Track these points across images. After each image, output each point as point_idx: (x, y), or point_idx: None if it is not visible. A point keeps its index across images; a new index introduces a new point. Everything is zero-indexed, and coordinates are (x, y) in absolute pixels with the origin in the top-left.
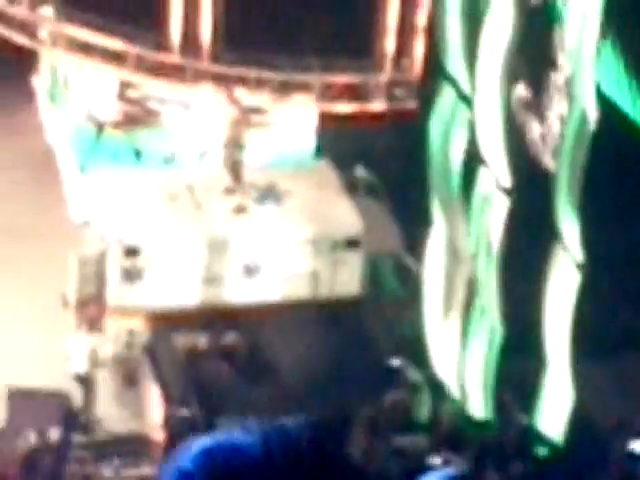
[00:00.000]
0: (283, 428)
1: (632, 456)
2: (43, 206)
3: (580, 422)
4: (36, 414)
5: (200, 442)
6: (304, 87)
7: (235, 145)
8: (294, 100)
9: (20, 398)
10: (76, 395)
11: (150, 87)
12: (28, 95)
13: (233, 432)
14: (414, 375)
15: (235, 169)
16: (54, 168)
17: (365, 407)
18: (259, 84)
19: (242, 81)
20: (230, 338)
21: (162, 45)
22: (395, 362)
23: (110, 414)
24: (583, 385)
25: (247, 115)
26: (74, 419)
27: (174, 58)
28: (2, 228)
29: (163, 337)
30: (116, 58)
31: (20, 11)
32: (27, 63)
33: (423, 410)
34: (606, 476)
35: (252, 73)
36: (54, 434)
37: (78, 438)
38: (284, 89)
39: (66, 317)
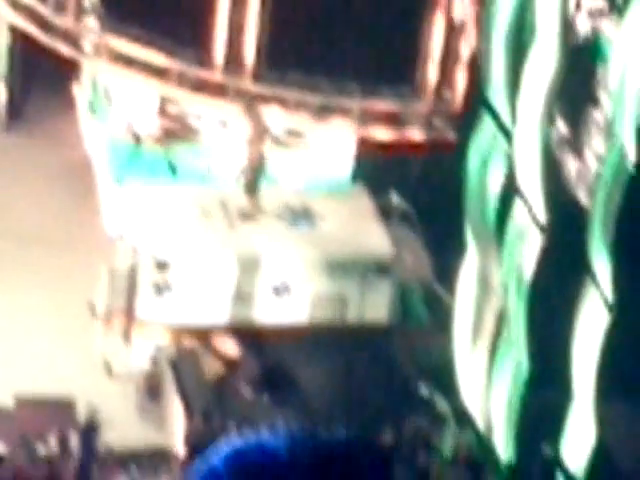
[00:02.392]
0: (309, 432)
1: None
2: (78, 217)
3: (601, 459)
4: (46, 422)
5: (230, 443)
6: (343, 111)
7: (252, 163)
8: (332, 124)
9: (30, 406)
10: (96, 402)
11: (190, 103)
12: (68, 104)
13: (262, 435)
14: (440, 404)
15: (251, 187)
16: (91, 179)
17: (386, 430)
18: (298, 106)
19: (282, 102)
20: (255, 357)
21: (204, 62)
22: (422, 389)
23: (132, 426)
24: (606, 423)
25: (264, 134)
26: (95, 429)
27: (216, 76)
28: (36, 237)
29: (189, 353)
30: (158, 73)
31: (65, 21)
32: (68, 72)
33: (446, 439)
34: None
35: (292, 94)
36: (74, 440)
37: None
38: (323, 112)
39: (93, 326)
